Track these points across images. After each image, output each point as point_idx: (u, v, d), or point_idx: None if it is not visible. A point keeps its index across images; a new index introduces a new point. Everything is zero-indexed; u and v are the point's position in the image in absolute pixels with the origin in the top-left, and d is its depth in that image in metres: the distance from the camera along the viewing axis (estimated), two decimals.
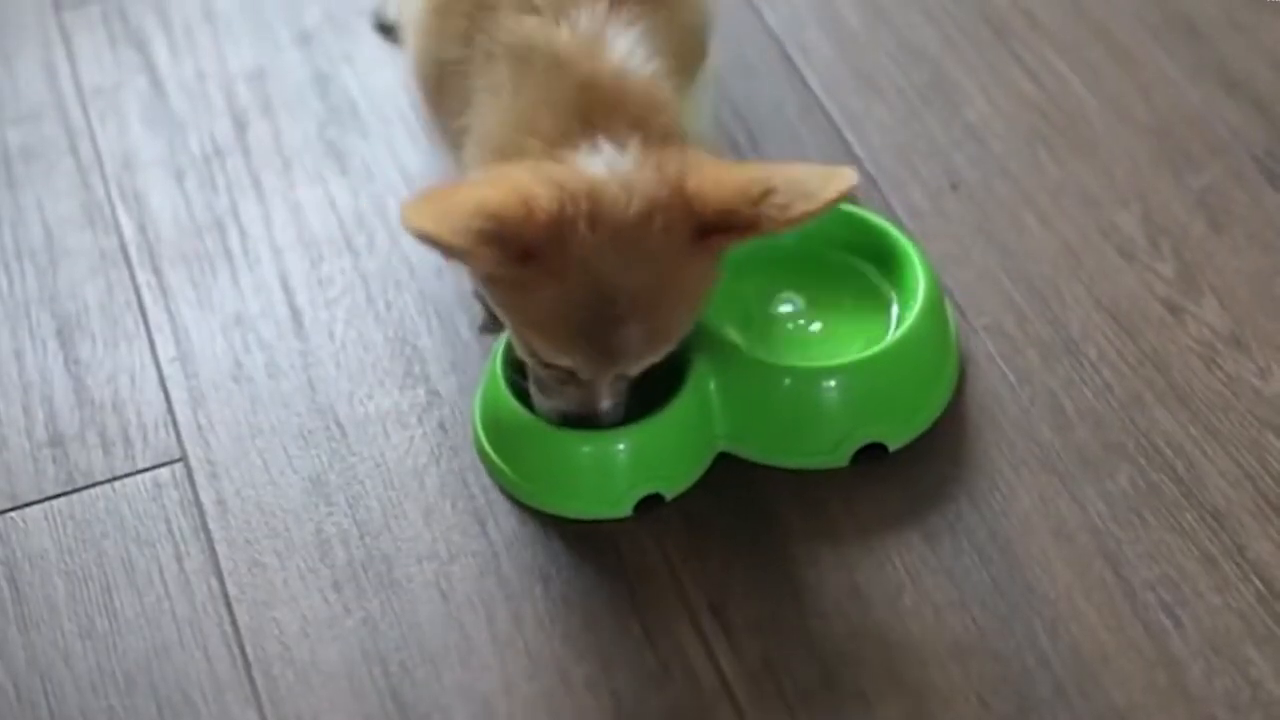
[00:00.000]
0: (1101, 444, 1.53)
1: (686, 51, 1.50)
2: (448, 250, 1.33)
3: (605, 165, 1.37)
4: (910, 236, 1.61)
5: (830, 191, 1.33)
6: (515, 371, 1.52)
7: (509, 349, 1.53)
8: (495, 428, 1.54)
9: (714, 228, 1.37)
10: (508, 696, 1.41)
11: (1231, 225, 1.69)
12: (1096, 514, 1.49)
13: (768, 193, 1.34)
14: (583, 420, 1.48)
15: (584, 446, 1.49)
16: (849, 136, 1.78)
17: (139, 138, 1.84)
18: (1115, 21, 1.87)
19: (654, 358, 1.44)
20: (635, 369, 1.44)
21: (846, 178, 1.34)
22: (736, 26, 1.89)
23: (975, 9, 1.89)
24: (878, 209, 1.71)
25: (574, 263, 1.35)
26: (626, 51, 1.41)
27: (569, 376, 1.44)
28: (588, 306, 1.37)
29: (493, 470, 1.54)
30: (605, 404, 1.47)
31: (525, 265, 1.34)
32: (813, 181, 1.34)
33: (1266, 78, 1.80)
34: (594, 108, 1.39)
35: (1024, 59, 1.84)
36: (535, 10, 1.43)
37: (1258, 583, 1.44)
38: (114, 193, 1.79)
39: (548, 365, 1.44)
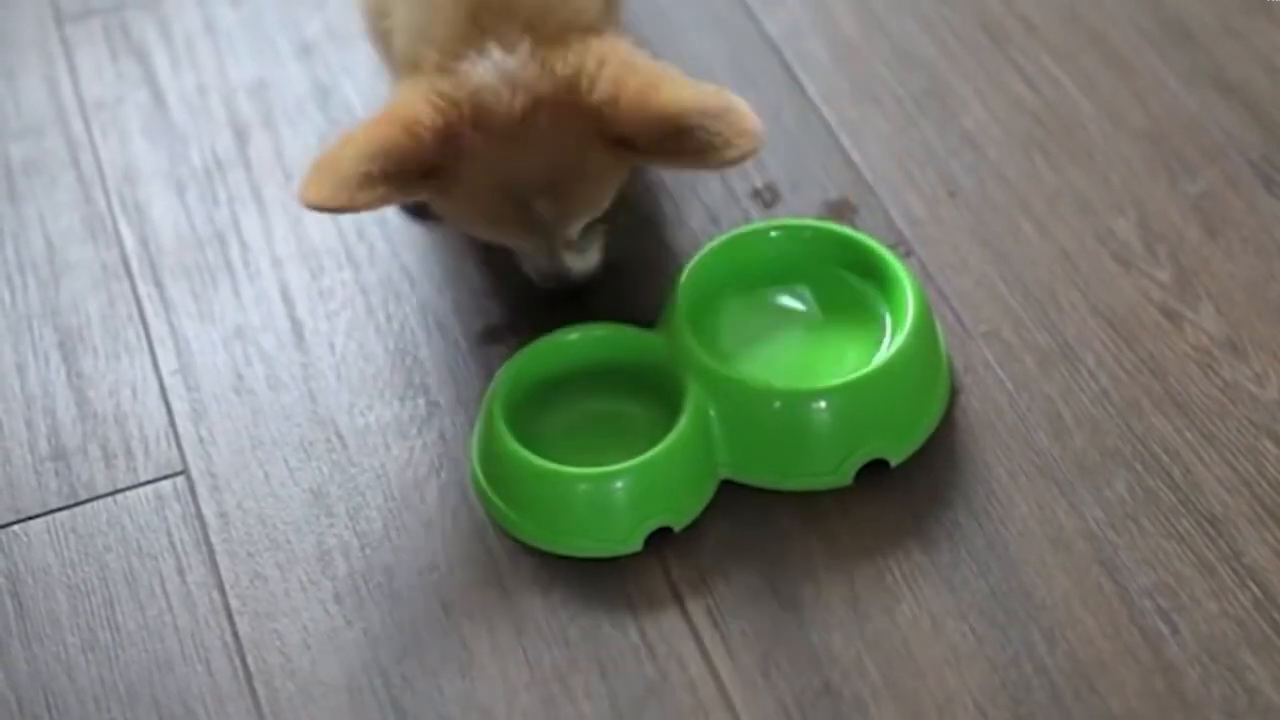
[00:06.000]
0: (1099, 451, 1.54)
1: None
2: (344, 209, 1.39)
3: (492, 69, 1.43)
4: (897, 252, 1.62)
5: (731, 153, 1.40)
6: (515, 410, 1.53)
7: (505, 384, 1.53)
8: (491, 469, 1.52)
9: (623, 143, 1.44)
10: (508, 706, 1.42)
11: (1228, 231, 1.69)
12: (1094, 521, 1.49)
13: (679, 135, 1.40)
14: (562, 288, 1.57)
15: (580, 485, 1.48)
16: (846, 144, 1.79)
17: (140, 151, 1.84)
18: (1110, 27, 1.87)
19: (582, 221, 1.52)
20: (567, 233, 1.52)
21: (751, 139, 1.39)
22: (735, 35, 1.89)
23: (972, 16, 1.90)
24: (875, 216, 1.72)
25: (472, 165, 1.44)
26: None
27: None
28: (495, 198, 1.47)
29: (493, 511, 1.52)
30: (569, 265, 1.55)
31: (428, 181, 1.43)
32: (720, 138, 1.39)
33: (1262, 82, 1.80)
34: (485, 8, 1.44)
35: (1020, 66, 1.85)
36: None
37: (1254, 589, 1.44)
38: (115, 206, 1.79)
39: None
